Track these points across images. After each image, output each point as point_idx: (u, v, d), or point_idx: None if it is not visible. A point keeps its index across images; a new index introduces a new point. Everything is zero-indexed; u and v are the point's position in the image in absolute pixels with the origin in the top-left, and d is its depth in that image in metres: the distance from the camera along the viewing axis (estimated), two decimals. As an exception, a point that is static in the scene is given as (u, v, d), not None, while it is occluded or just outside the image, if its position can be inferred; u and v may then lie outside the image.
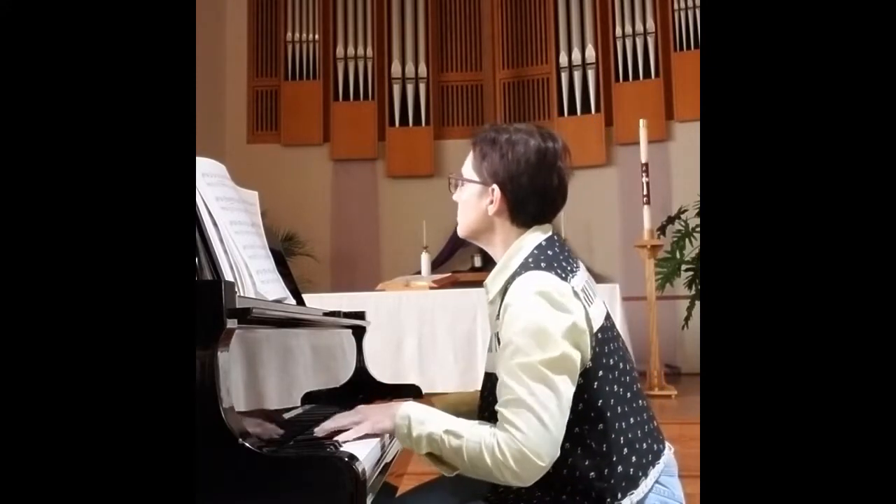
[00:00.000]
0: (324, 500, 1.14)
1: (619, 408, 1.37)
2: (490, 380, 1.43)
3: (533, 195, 1.43)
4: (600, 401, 1.35)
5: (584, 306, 1.35)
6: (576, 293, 1.35)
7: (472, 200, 1.47)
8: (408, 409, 1.37)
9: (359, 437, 1.37)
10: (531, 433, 1.26)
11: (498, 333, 1.38)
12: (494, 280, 1.44)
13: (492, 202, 1.43)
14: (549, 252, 1.40)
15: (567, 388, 1.30)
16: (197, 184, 1.44)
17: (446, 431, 1.31)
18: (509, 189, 1.42)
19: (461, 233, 1.52)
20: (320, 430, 1.42)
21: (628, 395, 1.39)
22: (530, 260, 1.39)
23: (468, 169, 1.48)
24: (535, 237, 1.43)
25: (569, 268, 1.39)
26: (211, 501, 1.10)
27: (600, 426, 1.35)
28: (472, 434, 1.30)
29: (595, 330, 1.36)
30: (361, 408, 1.46)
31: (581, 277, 1.40)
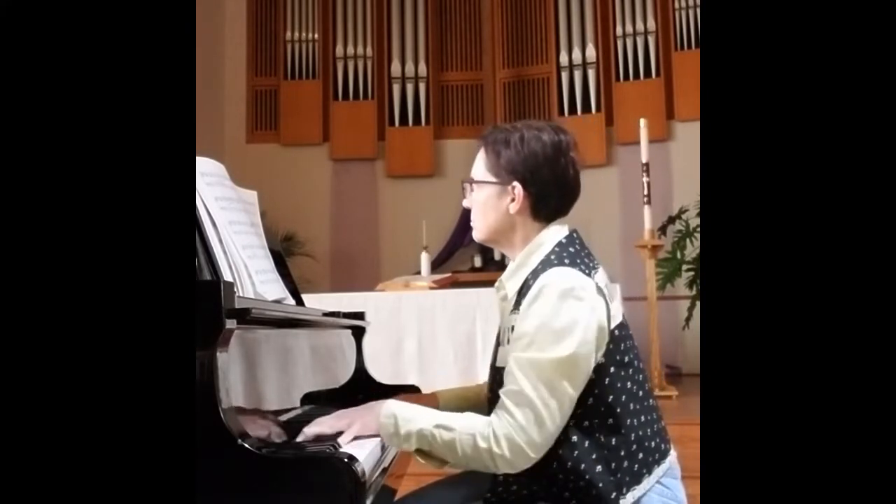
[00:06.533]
0: (323, 500, 1.14)
1: (629, 405, 1.37)
2: (499, 373, 1.43)
3: (554, 187, 1.43)
4: (611, 396, 1.36)
5: (606, 302, 1.36)
6: (599, 289, 1.36)
7: (491, 202, 1.45)
8: (392, 407, 1.36)
9: (351, 440, 1.35)
10: (529, 428, 1.28)
11: (513, 327, 1.38)
12: (512, 277, 1.44)
13: (513, 200, 1.42)
14: (570, 249, 1.41)
15: (570, 390, 1.31)
16: (196, 184, 1.44)
17: (437, 426, 1.32)
18: (531, 184, 1.41)
19: (479, 237, 1.49)
20: (303, 435, 1.37)
21: (640, 393, 1.40)
22: (552, 257, 1.39)
23: (481, 171, 1.46)
24: (555, 234, 1.43)
25: (591, 264, 1.40)
26: (210, 502, 1.10)
27: (610, 421, 1.35)
28: (464, 426, 1.32)
29: (612, 327, 1.36)
30: (343, 412, 1.42)
31: (602, 274, 1.41)
